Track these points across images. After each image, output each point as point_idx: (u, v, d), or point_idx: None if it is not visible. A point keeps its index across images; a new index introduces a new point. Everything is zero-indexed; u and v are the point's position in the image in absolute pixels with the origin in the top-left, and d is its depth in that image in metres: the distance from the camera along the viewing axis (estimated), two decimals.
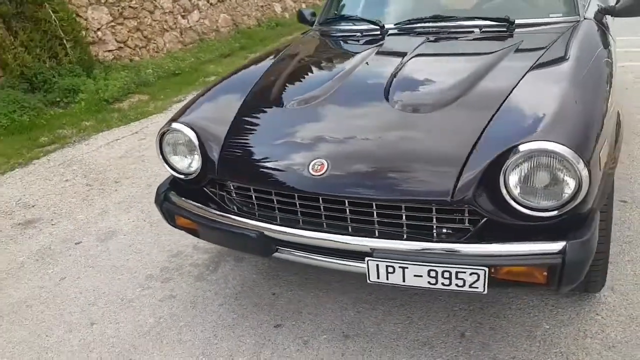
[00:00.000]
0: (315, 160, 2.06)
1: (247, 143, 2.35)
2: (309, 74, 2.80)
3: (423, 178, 1.95)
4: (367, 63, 2.67)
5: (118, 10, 7.95)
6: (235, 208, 2.32)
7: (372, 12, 3.37)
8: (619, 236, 2.86)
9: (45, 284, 3.00)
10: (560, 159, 1.71)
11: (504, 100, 2.08)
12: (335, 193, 2.01)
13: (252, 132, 2.40)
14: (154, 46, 8.54)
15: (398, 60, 2.60)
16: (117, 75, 7.06)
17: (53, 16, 6.65)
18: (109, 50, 7.73)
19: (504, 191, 1.77)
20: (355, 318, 2.47)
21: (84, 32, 7.29)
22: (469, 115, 2.09)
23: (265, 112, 2.49)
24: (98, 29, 7.63)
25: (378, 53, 2.78)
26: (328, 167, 2.02)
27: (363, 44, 3.04)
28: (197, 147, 2.33)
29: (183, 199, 2.43)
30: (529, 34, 2.77)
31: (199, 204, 2.37)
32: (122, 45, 7.95)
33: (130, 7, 8.16)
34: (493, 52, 2.52)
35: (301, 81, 2.71)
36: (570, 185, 1.73)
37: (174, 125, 2.38)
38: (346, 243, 2.02)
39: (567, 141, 1.73)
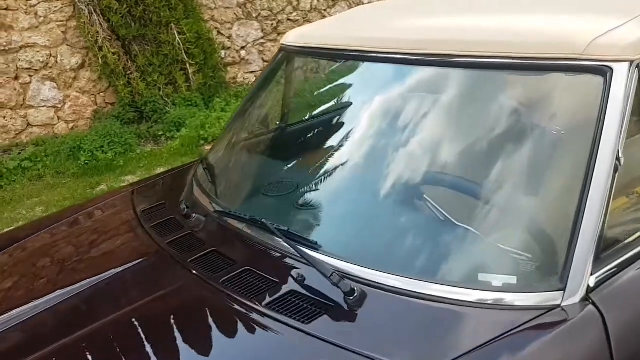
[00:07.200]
0: None
1: None
2: None
3: None
4: None
5: (272, 24, 7.05)
6: None
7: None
8: None
9: None
10: None
11: None
12: None
13: None
14: None
15: None
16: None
17: (177, 38, 6.06)
18: (251, 72, 6.92)
19: None
20: None
21: (222, 52, 6.62)
22: None
23: None
24: (242, 48, 6.86)
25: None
26: None
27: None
28: None
29: None
30: None
31: None
32: None
33: (289, 19, 7.18)
34: None
35: None
36: None
37: None
38: None
39: None
